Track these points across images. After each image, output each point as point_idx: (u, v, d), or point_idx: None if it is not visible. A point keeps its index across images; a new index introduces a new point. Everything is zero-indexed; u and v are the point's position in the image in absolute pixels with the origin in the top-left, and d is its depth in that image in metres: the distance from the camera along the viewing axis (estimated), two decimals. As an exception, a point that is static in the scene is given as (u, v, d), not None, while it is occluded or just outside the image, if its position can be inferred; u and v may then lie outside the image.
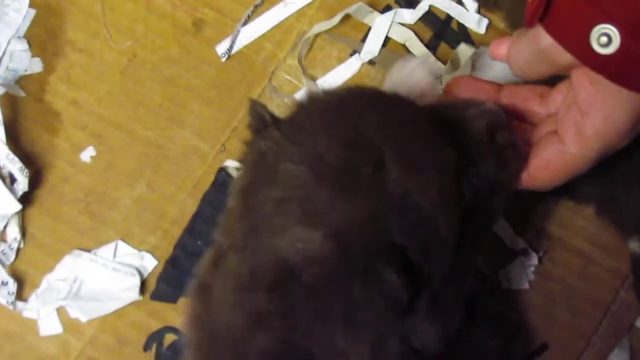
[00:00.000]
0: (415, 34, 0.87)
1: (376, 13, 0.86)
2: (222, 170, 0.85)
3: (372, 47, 0.87)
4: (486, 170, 0.59)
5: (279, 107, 0.85)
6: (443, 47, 0.88)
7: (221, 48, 0.88)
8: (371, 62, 0.87)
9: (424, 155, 0.55)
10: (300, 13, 0.89)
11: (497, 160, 0.60)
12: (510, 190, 0.62)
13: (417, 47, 0.87)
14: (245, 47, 0.89)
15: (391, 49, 0.87)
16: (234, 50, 0.89)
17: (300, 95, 0.85)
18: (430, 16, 0.89)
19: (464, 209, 0.55)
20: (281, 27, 0.89)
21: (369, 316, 0.52)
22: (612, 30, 0.53)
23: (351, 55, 0.88)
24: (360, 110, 0.58)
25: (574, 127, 0.58)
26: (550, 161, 0.61)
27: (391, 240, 0.52)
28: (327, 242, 0.51)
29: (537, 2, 0.55)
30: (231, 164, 0.84)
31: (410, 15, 0.89)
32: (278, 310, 0.52)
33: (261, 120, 0.61)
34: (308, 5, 0.89)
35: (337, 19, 0.83)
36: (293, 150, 0.55)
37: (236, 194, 0.59)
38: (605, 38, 0.53)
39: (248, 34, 0.89)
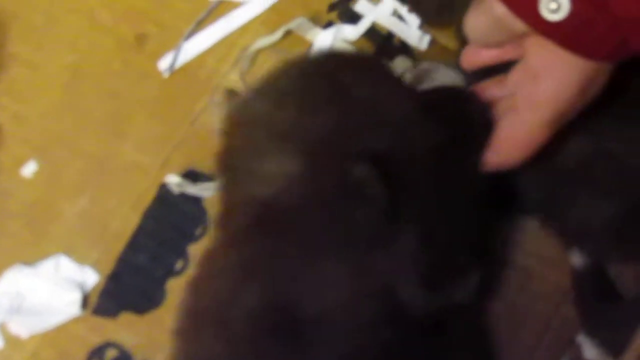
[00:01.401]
0: (358, 49, 0.95)
1: (318, 28, 0.92)
2: (165, 185, 0.93)
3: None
4: (450, 115, 0.63)
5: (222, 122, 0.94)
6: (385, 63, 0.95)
7: (164, 63, 0.97)
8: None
9: (385, 79, 0.61)
10: (243, 28, 0.98)
11: (458, 110, 0.65)
12: (481, 148, 0.65)
13: None
14: (188, 61, 0.98)
15: None
16: (177, 65, 0.98)
17: None
18: (372, 32, 0.98)
19: (437, 141, 0.60)
20: (224, 42, 0.98)
21: (352, 228, 0.55)
22: None
23: None
24: (319, 58, 0.65)
25: (526, 94, 0.62)
26: (508, 132, 0.64)
27: (364, 147, 0.55)
28: (298, 160, 0.55)
29: None
30: (173, 179, 0.92)
31: (352, 32, 0.97)
32: (261, 254, 0.55)
33: (233, 94, 0.67)
34: (251, 20, 0.98)
35: (278, 34, 0.91)
36: (258, 96, 0.61)
37: (218, 167, 0.62)
38: (555, 4, 0.56)
39: (191, 48, 0.98)
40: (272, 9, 0.99)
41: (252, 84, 0.67)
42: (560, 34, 0.58)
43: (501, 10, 0.60)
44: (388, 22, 0.96)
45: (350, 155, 0.55)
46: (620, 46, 0.58)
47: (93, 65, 0.94)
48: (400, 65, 0.94)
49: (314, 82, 0.60)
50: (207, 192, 0.90)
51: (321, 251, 0.55)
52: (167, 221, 0.93)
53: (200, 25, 0.99)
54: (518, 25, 0.60)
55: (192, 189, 0.91)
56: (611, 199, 0.74)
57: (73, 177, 0.95)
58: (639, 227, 0.72)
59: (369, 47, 0.95)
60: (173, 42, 0.98)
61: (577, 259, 0.83)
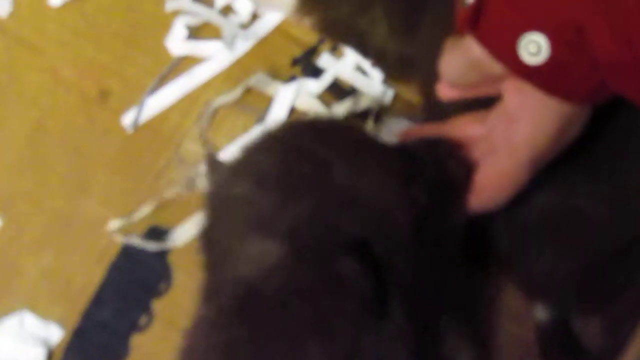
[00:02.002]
0: (322, 103, 1.00)
1: (278, 82, 0.97)
2: (160, 245, 0.96)
3: (277, 116, 0.97)
4: (431, 176, 0.64)
5: (185, 177, 0.98)
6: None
7: (127, 118, 1.01)
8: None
9: (367, 157, 0.60)
10: (206, 84, 1.03)
11: (439, 168, 0.65)
12: (462, 200, 0.66)
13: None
14: (152, 117, 1.02)
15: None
16: (140, 120, 1.02)
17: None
18: (335, 87, 0.99)
19: (419, 210, 0.60)
20: (187, 97, 1.03)
21: (337, 319, 0.55)
22: (540, 38, 0.57)
23: (256, 123, 1.01)
24: (297, 131, 0.64)
25: (503, 137, 0.63)
26: (487, 175, 0.65)
27: (346, 233, 0.56)
28: (280, 246, 0.56)
29: (468, 10, 0.60)
30: (134, 240, 0.96)
31: (315, 86, 1.00)
32: (246, 336, 0.56)
33: (214, 162, 0.67)
34: (214, 75, 1.03)
35: (238, 91, 0.96)
36: (238, 176, 0.61)
37: (200, 245, 0.63)
38: (534, 47, 0.57)
39: (154, 104, 1.03)
40: (235, 64, 1.03)
41: (226, 158, 0.69)
42: (539, 77, 0.59)
43: (479, 52, 0.62)
44: (351, 77, 1.00)
45: (333, 244, 0.56)
46: (598, 88, 0.59)
47: (56, 121, 0.98)
48: (365, 103, 0.98)
49: (295, 162, 0.60)
50: (168, 245, 0.95)
51: (305, 339, 0.56)
52: (131, 276, 0.97)
53: (163, 80, 1.03)
54: (496, 67, 0.61)
55: (153, 246, 0.95)
56: (576, 252, 0.76)
57: (36, 232, 0.99)
58: (603, 281, 0.73)
59: (332, 101, 1.01)
60: (136, 98, 1.02)
61: (541, 312, 0.85)
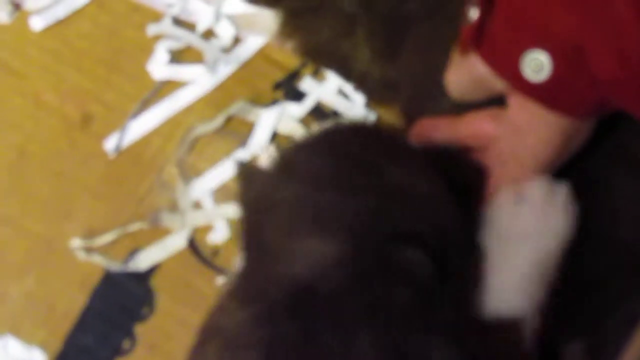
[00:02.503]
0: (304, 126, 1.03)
1: (258, 108, 0.99)
2: (124, 266, 0.99)
3: (259, 140, 0.99)
4: (457, 182, 0.65)
5: (169, 202, 1.01)
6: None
7: (110, 143, 1.04)
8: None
9: (411, 156, 0.64)
10: (188, 108, 1.06)
11: (461, 175, 0.68)
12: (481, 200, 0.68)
13: None
14: (134, 142, 1.05)
15: (277, 144, 1.03)
16: (123, 145, 1.04)
17: (188, 189, 1.02)
18: (317, 111, 1.01)
19: (461, 209, 0.63)
20: (170, 121, 1.06)
21: (390, 310, 0.57)
22: (542, 56, 0.60)
23: (238, 147, 1.03)
24: (343, 133, 0.67)
25: (512, 147, 0.66)
26: (496, 185, 0.68)
27: (403, 227, 0.58)
28: (340, 245, 0.58)
29: (471, 28, 0.63)
30: (94, 258, 0.99)
31: (297, 110, 1.05)
32: (297, 331, 0.56)
33: (250, 174, 0.67)
34: (196, 100, 1.05)
35: (219, 120, 0.99)
36: (288, 177, 0.63)
37: (241, 243, 0.64)
38: (537, 64, 0.60)
39: (137, 128, 1.05)
40: (217, 89, 1.06)
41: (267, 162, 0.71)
42: (541, 93, 0.62)
43: (483, 69, 0.65)
44: (333, 100, 1.02)
45: (394, 239, 0.58)
46: (599, 104, 0.62)
47: (39, 145, 1.00)
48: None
49: (346, 163, 0.63)
50: (130, 267, 0.98)
51: (356, 330, 0.57)
52: (113, 301, 0.99)
53: (145, 105, 1.06)
54: (499, 84, 0.64)
55: (115, 266, 0.99)
56: (557, 279, 0.78)
57: (19, 257, 1.02)
58: (585, 307, 0.75)
59: (315, 125, 1.03)
60: (119, 122, 1.05)
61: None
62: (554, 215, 0.70)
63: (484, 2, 0.62)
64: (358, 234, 0.58)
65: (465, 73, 0.67)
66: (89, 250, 0.97)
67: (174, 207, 1.00)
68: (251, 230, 0.65)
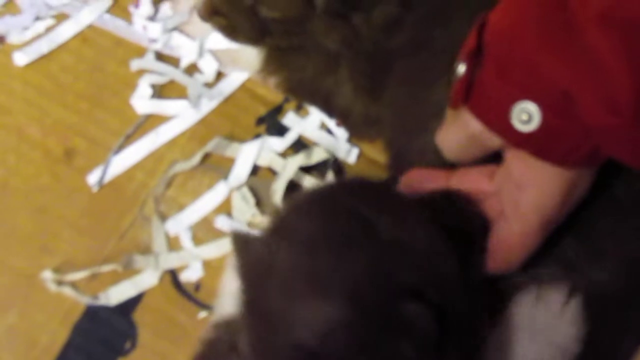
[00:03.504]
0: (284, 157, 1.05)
1: (236, 143, 1.03)
2: (94, 299, 1.01)
3: (239, 174, 1.03)
4: (454, 227, 0.66)
5: (150, 236, 1.04)
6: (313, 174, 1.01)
7: (93, 177, 1.07)
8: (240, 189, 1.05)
9: (405, 211, 0.64)
10: (171, 142, 1.09)
11: (459, 219, 0.68)
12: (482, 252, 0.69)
13: (288, 174, 1.05)
14: (117, 176, 1.08)
15: (260, 177, 1.07)
16: (105, 179, 1.07)
17: (170, 222, 1.05)
18: (299, 145, 1.04)
19: (458, 256, 0.63)
20: (153, 156, 1.08)
21: None
22: (531, 106, 0.61)
23: (221, 182, 1.06)
24: (334, 191, 0.68)
25: (512, 202, 0.66)
26: (501, 240, 0.68)
27: (401, 284, 0.59)
28: (340, 307, 0.58)
29: (460, 83, 0.64)
30: (64, 290, 1.02)
31: (279, 144, 1.05)
32: None
33: (245, 241, 0.67)
34: (179, 134, 1.09)
35: (196, 158, 1.02)
36: (281, 242, 0.63)
37: (244, 315, 0.65)
38: (526, 115, 0.61)
39: (120, 163, 1.08)
40: (200, 123, 1.10)
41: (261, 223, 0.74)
42: (532, 144, 0.63)
43: (477, 126, 0.65)
44: (316, 135, 1.05)
45: (393, 295, 0.59)
46: (593, 153, 0.62)
47: (21, 179, 1.03)
48: (317, 156, 1.03)
49: (338, 223, 0.63)
50: (102, 301, 1.01)
51: None
52: (96, 336, 1.02)
53: (128, 139, 1.09)
54: (493, 140, 0.65)
55: (86, 299, 1.02)
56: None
57: (1, 292, 1.04)
58: None
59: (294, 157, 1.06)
60: (102, 157, 1.08)
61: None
62: (565, 325, 0.73)
63: (471, 56, 0.64)
64: (356, 294, 0.59)
65: (460, 131, 0.68)
66: (59, 282, 1.00)
67: (129, 262, 1.02)
68: (251, 298, 0.65)
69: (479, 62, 0.64)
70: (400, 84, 0.93)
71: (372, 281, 0.60)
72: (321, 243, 0.62)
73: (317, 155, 1.05)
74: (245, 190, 1.05)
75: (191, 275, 1.02)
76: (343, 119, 1.07)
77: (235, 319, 0.69)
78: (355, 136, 1.09)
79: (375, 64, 0.96)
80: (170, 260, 1.04)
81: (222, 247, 1.02)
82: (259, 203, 1.05)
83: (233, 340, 0.70)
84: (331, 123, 1.09)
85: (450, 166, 0.74)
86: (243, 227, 0.99)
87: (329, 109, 1.07)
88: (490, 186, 0.70)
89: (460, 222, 0.69)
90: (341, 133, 1.09)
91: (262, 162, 1.08)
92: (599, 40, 0.57)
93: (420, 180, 0.75)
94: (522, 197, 0.66)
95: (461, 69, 0.65)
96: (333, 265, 0.60)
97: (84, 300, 1.00)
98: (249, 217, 1.01)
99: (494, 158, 0.69)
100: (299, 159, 1.04)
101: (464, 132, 0.67)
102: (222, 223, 1.02)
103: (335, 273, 0.60)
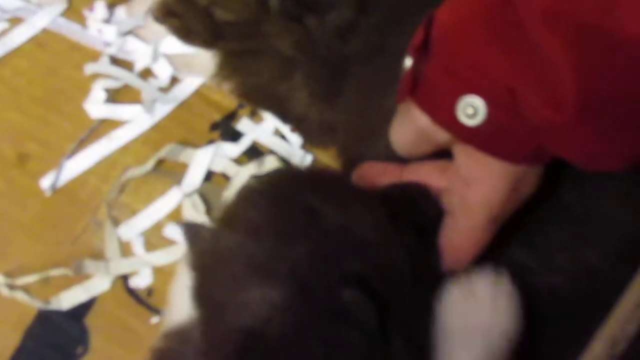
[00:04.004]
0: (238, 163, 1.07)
1: (190, 149, 1.05)
2: (46, 304, 1.02)
3: (193, 179, 1.04)
4: (411, 219, 0.67)
5: (103, 241, 1.05)
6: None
7: (46, 182, 1.08)
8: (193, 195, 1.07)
9: (352, 198, 0.64)
10: (125, 147, 1.10)
11: (416, 212, 0.69)
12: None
13: (239, 182, 1.06)
14: (70, 181, 1.09)
15: (213, 183, 1.08)
16: (59, 184, 1.08)
17: (123, 228, 1.06)
18: (253, 151, 1.08)
19: (409, 249, 0.64)
20: (106, 161, 1.09)
21: (343, 351, 0.59)
22: (477, 100, 0.61)
23: (174, 187, 1.07)
24: (281, 181, 0.68)
25: (459, 199, 0.66)
26: (450, 238, 0.68)
27: (344, 269, 0.59)
28: (283, 291, 0.59)
29: (406, 77, 0.64)
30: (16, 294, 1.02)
31: (232, 149, 1.09)
32: None
33: (196, 232, 0.69)
34: (133, 139, 1.10)
35: (149, 165, 1.03)
36: (227, 230, 0.64)
37: (194, 302, 0.66)
38: (472, 109, 0.61)
39: (73, 168, 1.09)
40: (154, 129, 1.11)
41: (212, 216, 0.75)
42: (478, 139, 0.63)
43: (425, 121, 0.66)
44: (270, 141, 1.07)
45: (335, 281, 0.60)
46: (538, 150, 0.62)
47: (-26, 184, 1.01)
48: (269, 165, 1.04)
49: (283, 211, 0.64)
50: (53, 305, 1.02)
51: None
52: (48, 340, 1.03)
53: (82, 144, 1.10)
54: (441, 135, 0.65)
55: (37, 304, 1.03)
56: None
57: (-47, 296, 0.99)
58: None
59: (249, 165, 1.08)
60: (55, 161, 1.09)
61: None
62: (501, 311, 0.73)
63: (418, 50, 0.64)
64: (299, 279, 0.60)
65: (409, 126, 0.68)
66: (12, 287, 1.00)
67: (79, 267, 1.03)
68: (199, 286, 0.66)
69: (425, 57, 0.64)
70: (354, 90, 0.93)
71: (314, 267, 0.61)
72: (264, 230, 0.63)
73: (269, 165, 1.06)
74: (196, 198, 1.06)
75: (140, 281, 1.03)
76: (298, 125, 1.08)
77: (187, 327, 0.70)
78: (309, 142, 1.10)
79: (330, 69, 0.96)
80: (121, 267, 1.04)
81: (174, 254, 1.03)
82: (210, 210, 1.05)
83: (184, 350, 0.70)
84: (285, 129, 1.10)
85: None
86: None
87: (284, 114, 1.08)
88: (442, 182, 0.70)
89: (419, 214, 0.69)
90: (295, 139, 1.10)
91: (216, 168, 1.09)
92: (543, 37, 0.57)
93: (373, 175, 0.75)
94: (469, 192, 0.66)
95: (408, 62, 0.65)
96: (275, 252, 0.62)
97: (36, 304, 1.01)
98: (199, 225, 0.97)
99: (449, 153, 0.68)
100: (251, 168, 1.05)
101: (414, 127, 0.67)
102: (172, 231, 1.02)
103: (278, 259, 0.61)
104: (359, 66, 0.93)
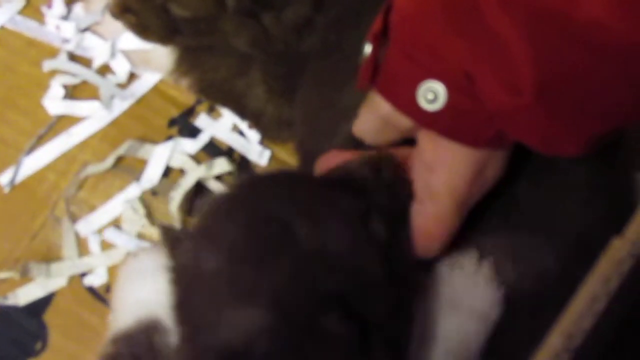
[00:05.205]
0: (198, 162, 1.08)
1: (149, 145, 1.05)
2: (4, 299, 1.03)
3: (151, 176, 1.04)
4: (384, 205, 0.66)
5: (61, 238, 1.06)
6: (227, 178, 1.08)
7: (4, 178, 1.08)
8: (154, 193, 1.09)
9: (326, 210, 0.63)
10: (83, 143, 1.10)
11: (389, 195, 0.67)
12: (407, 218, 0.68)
13: (187, 184, 1.03)
14: (29, 177, 1.09)
15: (171, 179, 1.09)
16: (17, 180, 1.09)
17: (82, 223, 1.06)
18: (212, 147, 1.11)
19: (382, 247, 0.63)
20: (65, 157, 1.10)
21: None
22: (437, 85, 0.61)
23: (133, 183, 1.08)
24: (257, 192, 0.67)
25: (424, 186, 0.66)
26: (419, 225, 0.67)
27: (323, 290, 0.59)
28: (264, 313, 0.59)
29: (366, 64, 0.64)
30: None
31: (191, 146, 1.10)
32: None
33: (174, 239, 0.68)
34: (91, 135, 1.10)
35: (109, 162, 1.03)
36: (206, 249, 0.63)
37: (174, 317, 0.65)
38: (432, 94, 0.61)
39: (31, 164, 1.09)
40: (112, 125, 1.11)
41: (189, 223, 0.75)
42: (440, 124, 0.63)
43: (387, 108, 0.66)
44: (228, 137, 1.10)
45: (315, 304, 0.60)
46: (499, 135, 0.63)
47: None
48: (219, 168, 1.07)
49: (259, 229, 0.64)
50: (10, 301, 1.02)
51: None
52: (6, 336, 1.03)
53: (40, 140, 1.10)
54: (404, 121, 0.65)
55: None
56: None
57: None
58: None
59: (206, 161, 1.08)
60: (13, 158, 1.09)
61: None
62: (482, 288, 0.73)
63: (378, 36, 0.65)
64: (279, 301, 0.60)
65: (372, 114, 0.68)
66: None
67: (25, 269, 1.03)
68: (180, 303, 0.66)
69: (385, 44, 0.64)
70: (311, 87, 0.94)
71: (294, 289, 0.61)
72: (243, 251, 0.63)
73: (219, 167, 1.07)
74: (135, 201, 1.06)
75: (94, 280, 1.04)
76: (255, 121, 1.08)
77: (135, 331, 0.71)
78: (267, 138, 1.10)
79: (287, 66, 0.97)
80: (63, 270, 1.06)
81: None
82: (150, 214, 1.05)
83: (134, 353, 0.71)
84: (243, 125, 1.11)
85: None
86: (132, 240, 1.03)
87: (241, 110, 1.09)
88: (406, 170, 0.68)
89: (392, 197, 0.69)
90: (254, 135, 1.11)
91: (175, 164, 1.09)
92: (499, 22, 0.58)
93: (336, 161, 0.74)
94: (433, 178, 0.66)
95: (368, 49, 0.66)
96: (255, 274, 0.61)
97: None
98: (138, 229, 1.02)
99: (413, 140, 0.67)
100: (200, 171, 1.06)
101: (376, 114, 0.67)
102: (111, 235, 1.04)
103: (258, 282, 0.61)
104: (316, 62, 0.94)
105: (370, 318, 0.61)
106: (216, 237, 0.65)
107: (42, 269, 1.03)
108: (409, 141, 0.69)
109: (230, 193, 0.70)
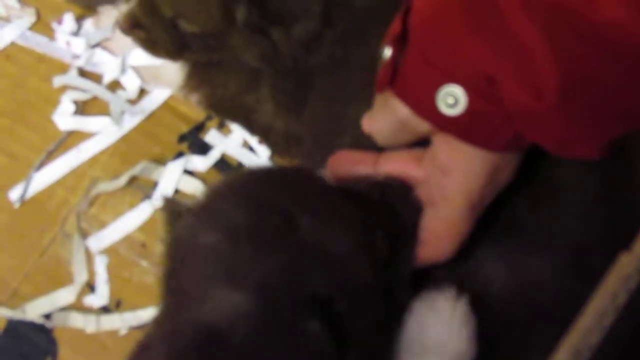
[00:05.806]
0: (206, 182, 1.08)
1: (162, 167, 1.05)
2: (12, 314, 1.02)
3: (163, 194, 1.04)
4: (387, 223, 0.66)
5: (71, 253, 1.05)
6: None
7: (14, 193, 1.08)
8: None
9: (331, 210, 0.63)
10: (93, 159, 1.10)
11: (393, 214, 0.68)
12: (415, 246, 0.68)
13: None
14: (38, 192, 1.08)
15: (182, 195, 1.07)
16: (27, 196, 1.08)
17: (92, 240, 1.06)
18: (222, 164, 1.09)
19: (380, 262, 0.63)
20: (74, 173, 1.10)
21: None
22: (457, 90, 0.60)
23: (143, 200, 1.08)
24: (266, 180, 0.67)
25: (439, 188, 0.66)
26: (431, 227, 0.67)
27: (313, 289, 0.59)
28: (251, 299, 0.58)
29: (385, 68, 0.63)
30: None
31: (202, 163, 1.09)
32: None
33: (175, 213, 0.68)
34: (101, 151, 1.10)
35: (122, 180, 1.04)
36: (206, 225, 0.63)
37: (161, 287, 0.65)
38: (452, 98, 0.60)
39: (41, 179, 1.09)
40: (122, 140, 1.11)
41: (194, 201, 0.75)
42: (458, 128, 0.62)
43: (405, 112, 0.65)
44: (238, 153, 1.09)
45: (301, 302, 0.60)
46: (517, 138, 0.62)
47: (-58, 196, 1.00)
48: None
49: (263, 215, 0.64)
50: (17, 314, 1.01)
51: None
52: (16, 352, 1.03)
53: (50, 156, 1.10)
54: (422, 125, 0.65)
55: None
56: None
57: None
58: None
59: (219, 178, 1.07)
60: (23, 173, 1.09)
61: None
62: (456, 331, 0.72)
63: (397, 40, 0.64)
64: (267, 291, 0.60)
65: (389, 117, 0.67)
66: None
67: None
68: (170, 274, 0.66)
69: (404, 47, 0.63)
70: (318, 101, 0.94)
71: (284, 281, 0.61)
72: (242, 234, 0.63)
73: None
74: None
75: (94, 301, 1.04)
76: (264, 137, 1.08)
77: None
78: (277, 154, 1.10)
79: (296, 81, 0.96)
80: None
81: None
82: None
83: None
84: (253, 141, 1.10)
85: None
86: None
87: (251, 126, 1.08)
88: (419, 172, 0.69)
89: (395, 217, 0.69)
90: (263, 151, 1.10)
91: (186, 188, 1.10)
92: (522, 25, 0.57)
93: (347, 164, 0.74)
94: (447, 181, 0.66)
95: (387, 52, 0.65)
96: (250, 258, 0.61)
97: (1, 312, 1.01)
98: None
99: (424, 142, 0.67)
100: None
101: (393, 118, 0.66)
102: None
103: (251, 266, 0.61)
104: (323, 77, 0.93)
105: (351, 330, 0.61)
106: (217, 215, 0.65)
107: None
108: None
109: (240, 177, 0.70)
